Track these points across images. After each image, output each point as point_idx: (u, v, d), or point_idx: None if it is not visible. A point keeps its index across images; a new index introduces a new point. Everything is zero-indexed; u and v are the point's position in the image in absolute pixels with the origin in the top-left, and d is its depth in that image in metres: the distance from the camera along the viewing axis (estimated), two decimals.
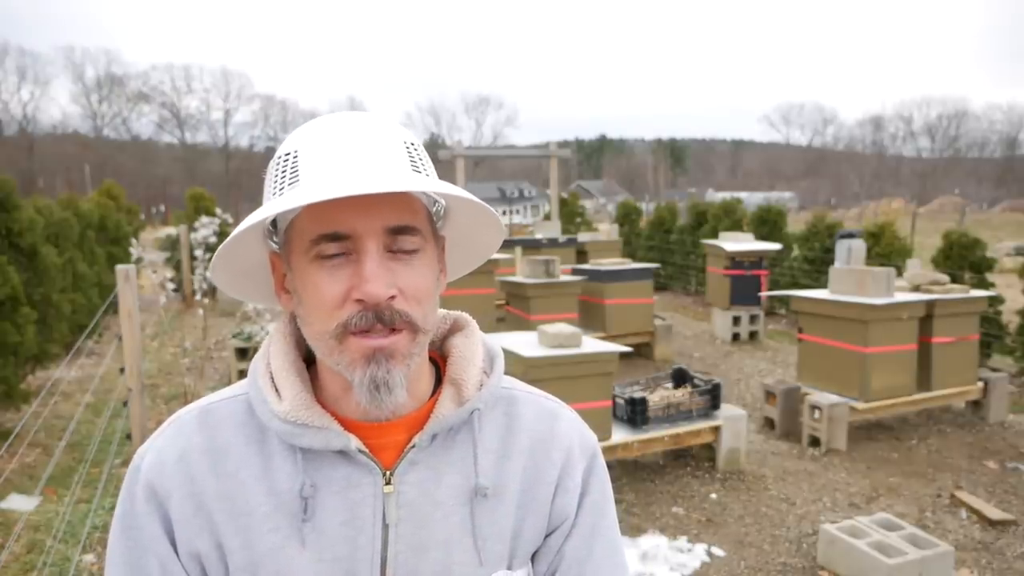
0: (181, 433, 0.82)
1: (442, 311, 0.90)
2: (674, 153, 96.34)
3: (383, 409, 0.76)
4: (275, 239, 0.82)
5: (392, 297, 0.74)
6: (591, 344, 4.64)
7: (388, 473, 0.80)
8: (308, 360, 0.86)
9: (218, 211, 10.48)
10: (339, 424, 0.79)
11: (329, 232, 0.73)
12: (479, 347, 0.88)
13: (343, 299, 0.74)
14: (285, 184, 0.76)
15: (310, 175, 0.74)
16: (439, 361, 0.89)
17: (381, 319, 0.73)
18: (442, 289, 0.84)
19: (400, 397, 0.76)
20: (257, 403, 0.81)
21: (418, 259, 0.77)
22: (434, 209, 0.82)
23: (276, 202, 0.74)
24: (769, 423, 5.79)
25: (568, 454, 0.88)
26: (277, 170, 0.78)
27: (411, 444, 0.80)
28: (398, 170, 0.75)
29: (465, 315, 0.92)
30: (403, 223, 0.75)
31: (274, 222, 0.82)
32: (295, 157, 0.76)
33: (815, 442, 5.38)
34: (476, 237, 0.90)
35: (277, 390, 0.81)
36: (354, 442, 0.78)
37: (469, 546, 0.81)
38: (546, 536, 0.88)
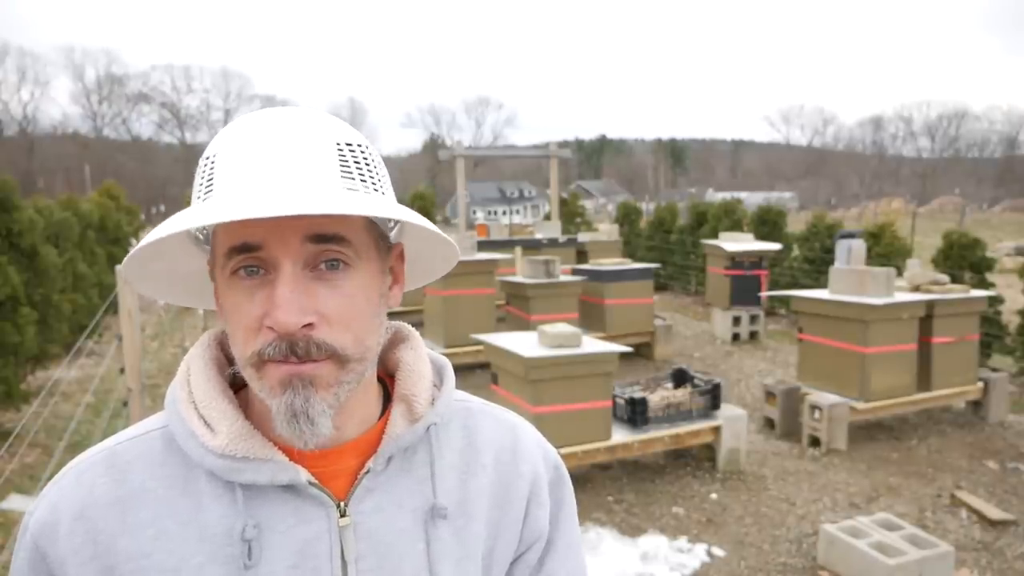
0: (81, 483, 0.70)
1: None
2: (674, 153, 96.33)
3: (306, 442, 0.67)
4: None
5: (309, 325, 0.65)
6: (591, 344, 4.64)
7: (342, 504, 0.72)
8: (233, 385, 0.77)
9: None
10: (283, 454, 0.70)
11: (237, 244, 0.65)
12: (426, 359, 0.81)
13: (259, 324, 0.65)
14: (202, 193, 0.67)
15: (223, 186, 0.65)
16: (385, 378, 0.81)
17: (294, 350, 0.65)
18: (395, 303, 0.76)
19: (324, 428, 0.67)
20: (183, 438, 0.70)
21: (346, 277, 0.67)
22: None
23: (173, 220, 0.65)
24: (769, 423, 5.79)
25: (535, 467, 0.84)
26: (199, 175, 0.69)
27: (365, 469, 0.73)
28: (322, 180, 0.66)
29: (406, 325, 0.84)
30: (326, 231, 0.66)
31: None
32: (212, 163, 0.67)
33: (815, 442, 5.38)
34: (432, 251, 0.81)
35: (206, 422, 0.71)
36: (303, 474, 0.70)
37: (443, 572, 0.74)
38: (520, 554, 0.82)
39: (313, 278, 0.66)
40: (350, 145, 0.69)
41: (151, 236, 0.65)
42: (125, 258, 0.70)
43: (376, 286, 0.72)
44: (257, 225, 0.64)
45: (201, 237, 0.75)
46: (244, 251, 0.65)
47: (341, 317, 0.67)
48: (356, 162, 0.69)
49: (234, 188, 0.65)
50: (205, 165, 0.68)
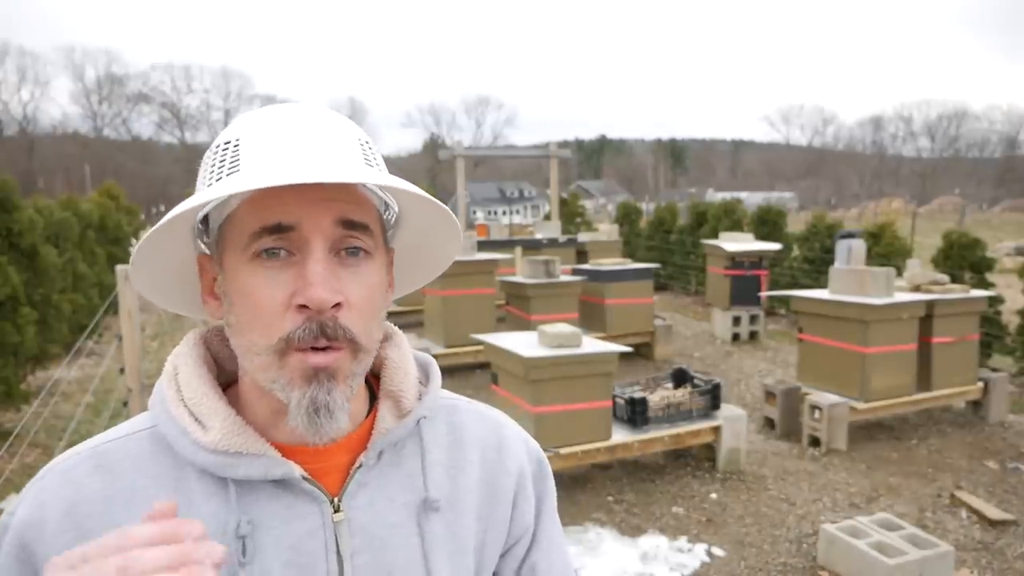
0: (69, 480, 0.69)
1: None
2: (674, 153, 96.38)
3: (322, 436, 0.67)
4: (206, 238, 0.73)
5: (337, 305, 0.65)
6: (591, 344, 4.64)
7: (335, 500, 0.72)
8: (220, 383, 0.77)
9: None
10: (275, 450, 0.71)
11: (271, 224, 0.65)
12: (411, 357, 0.82)
13: (285, 306, 0.65)
14: (223, 174, 0.67)
15: (252, 163, 0.66)
16: (369, 377, 0.80)
17: (324, 331, 0.65)
18: (388, 306, 0.77)
19: (341, 422, 0.68)
20: (174, 436, 0.70)
21: (367, 266, 0.69)
22: (386, 216, 0.75)
23: (213, 188, 0.65)
24: (769, 423, 5.79)
25: (521, 462, 0.85)
26: (215, 159, 0.69)
27: (357, 464, 0.73)
28: (352, 162, 0.68)
29: (389, 324, 0.83)
30: (355, 218, 0.67)
31: (206, 219, 0.72)
32: (236, 145, 0.68)
33: (815, 442, 5.38)
34: (431, 247, 0.82)
35: (196, 419, 0.71)
36: (296, 469, 0.70)
37: (438, 565, 0.75)
38: (509, 547, 0.84)
39: (337, 263, 0.67)
40: (368, 142, 0.72)
41: (183, 207, 0.65)
42: (140, 241, 0.69)
43: (385, 282, 0.74)
44: (292, 205, 0.65)
45: (202, 227, 0.73)
46: (276, 231, 0.65)
47: (360, 304, 0.68)
48: (375, 157, 0.72)
49: (268, 165, 0.65)
50: (226, 148, 0.68)
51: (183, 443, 0.69)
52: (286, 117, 0.69)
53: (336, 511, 0.72)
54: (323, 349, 0.66)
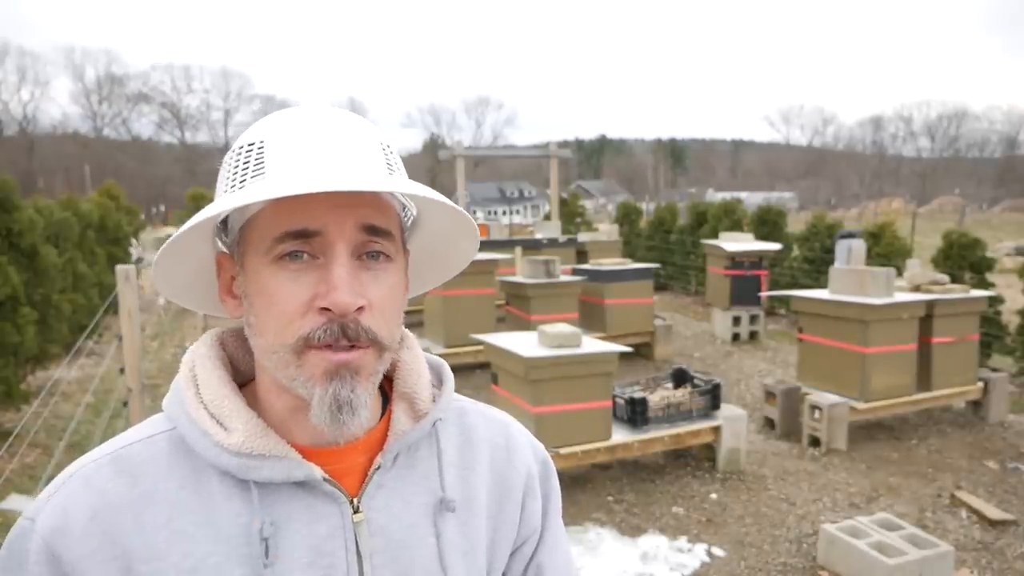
0: (90, 486, 0.69)
1: None
2: (674, 153, 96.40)
3: (344, 432, 0.68)
4: (225, 238, 0.74)
5: (360, 309, 0.66)
6: (591, 344, 4.64)
7: (355, 500, 0.73)
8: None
9: None
10: (296, 451, 0.71)
11: (296, 229, 0.66)
12: (423, 359, 0.83)
13: (306, 308, 0.66)
14: (248, 176, 0.68)
15: (278, 167, 0.67)
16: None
17: (346, 333, 0.66)
18: (405, 307, 0.78)
19: (363, 419, 0.68)
20: (195, 438, 0.70)
21: (388, 271, 0.70)
22: (403, 217, 0.76)
23: (241, 193, 0.66)
24: (769, 423, 5.79)
25: (528, 462, 0.87)
26: (238, 161, 0.70)
27: (375, 466, 0.74)
28: (376, 170, 0.69)
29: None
30: (378, 224, 0.69)
31: (225, 219, 0.73)
32: (260, 148, 0.69)
33: (815, 442, 5.38)
34: (448, 249, 0.84)
35: (218, 421, 0.71)
36: (318, 471, 0.70)
37: (453, 564, 0.76)
38: (517, 547, 0.85)
39: (359, 267, 0.68)
40: (389, 146, 0.73)
41: (208, 211, 0.65)
42: (165, 244, 0.69)
43: (404, 284, 0.75)
44: (317, 210, 0.66)
45: (220, 227, 0.74)
46: (301, 236, 0.66)
47: (382, 306, 0.69)
48: (396, 162, 0.73)
49: (294, 170, 0.66)
50: (249, 150, 0.69)
51: (204, 445, 0.70)
52: (309, 120, 0.70)
53: (355, 512, 0.73)
54: (346, 349, 0.67)
